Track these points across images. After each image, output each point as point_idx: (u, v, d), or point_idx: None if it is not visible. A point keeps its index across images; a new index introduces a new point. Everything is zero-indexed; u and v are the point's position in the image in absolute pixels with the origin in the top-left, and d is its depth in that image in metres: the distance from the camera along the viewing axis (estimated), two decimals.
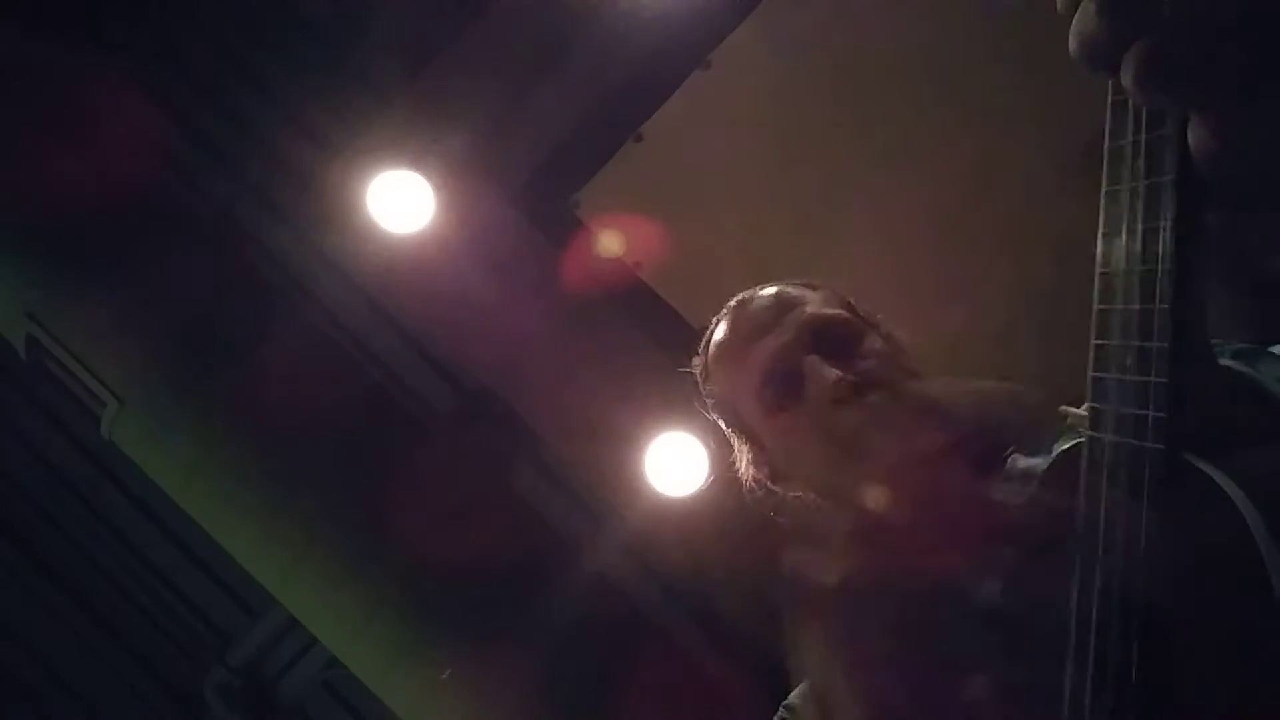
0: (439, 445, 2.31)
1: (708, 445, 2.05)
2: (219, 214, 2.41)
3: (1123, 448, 0.50)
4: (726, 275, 2.02)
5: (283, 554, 2.24)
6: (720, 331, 1.26)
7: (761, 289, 1.25)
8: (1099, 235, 0.51)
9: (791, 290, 1.23)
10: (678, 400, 2.05)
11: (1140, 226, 0.49)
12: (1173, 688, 0.48)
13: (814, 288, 1.24)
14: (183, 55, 2.44)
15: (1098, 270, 0.51)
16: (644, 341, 2.09)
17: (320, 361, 2.26)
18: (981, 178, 1.91)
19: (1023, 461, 1.04)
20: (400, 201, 2.06)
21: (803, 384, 1.14)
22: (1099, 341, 0.52)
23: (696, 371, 1.29)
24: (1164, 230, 0.48)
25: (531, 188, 2.11)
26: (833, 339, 1.16)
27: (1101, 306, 0.51)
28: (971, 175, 1.92)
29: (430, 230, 2.07)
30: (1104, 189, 0.50)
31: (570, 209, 2.08)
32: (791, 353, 1.16)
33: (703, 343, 1.29)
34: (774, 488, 1.24)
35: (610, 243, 2.07)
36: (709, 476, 2.05)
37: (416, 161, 2.04)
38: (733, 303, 1.28)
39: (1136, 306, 0.49)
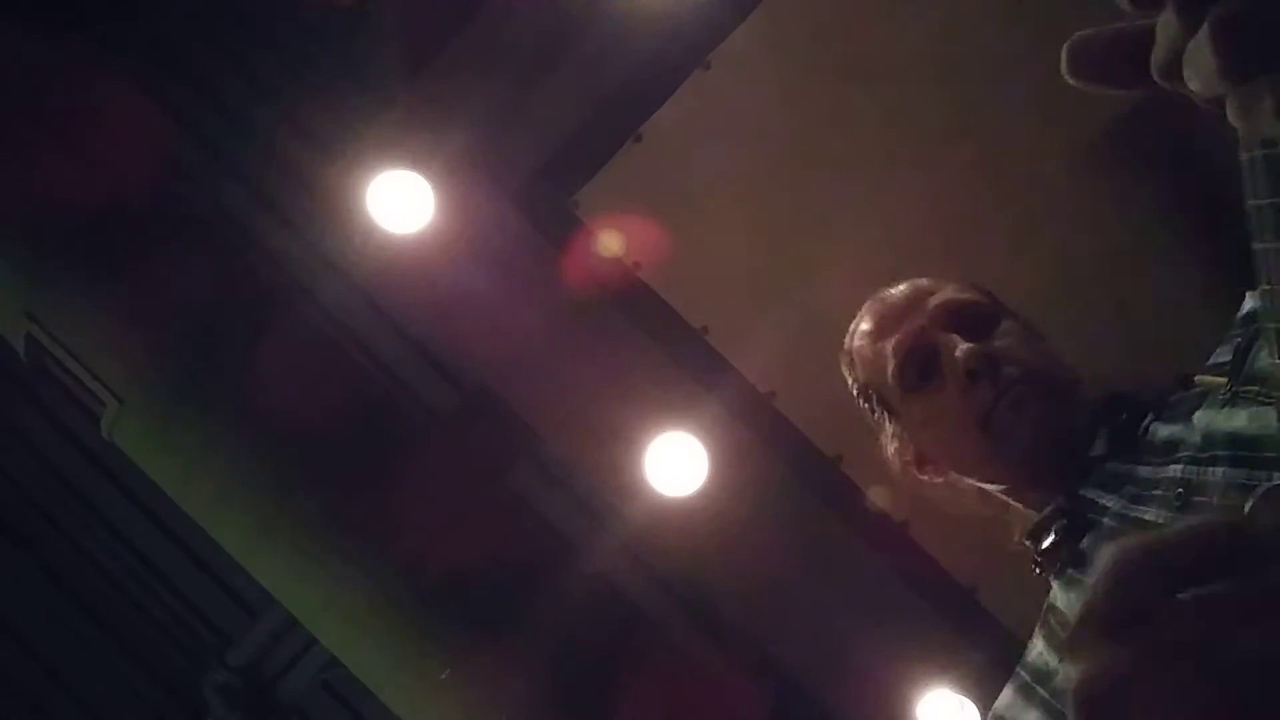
0: (439, 445, 2.30)
1: (708, 445, 2.05)
2: (218, 214, 2.41)
3: None
4: (726, 275, 2.04)
5: (283, 554, 2.24)
6: (863, 323, 1.30)
7: (899, 284, 1.29)
8: (1260, 289, 0.49)
9: (927, 281, 1.28)
10: (678, 400, 2.06)
11: None
12: None
13: (951, 279, 1.28)
14: (182, 55, 2.44)
15: (1267, 324, 0.49)
16: (644, 341, 2.09)
17: (320, 361, 2.26)
18: (984, 177, 1.91)
19: (1164, 430, 1.06)
20: (400, 201, 2.06)
21: (939, 363, 1.17)
22: None
23: (844, 365, 1.33)
24: None
25: (531, 188, 2.10)
26: (968, 320, 1.21)
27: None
28: (974, 174, 1.91)
29: (430, 230, 2.06)
30: (1255, 247, 0.49)
31: (570, 209, 2.08)
32: (928, 332, 1.20)
33: (846, 337, 1.32)
34: (920, 472, 1.28)
35: (610, 243, 2.06)
36: (709, 476, 2.05)
37: (416, 161, 2.04)
38: (874, 297, 1.31)
39: None
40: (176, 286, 2.20)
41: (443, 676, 2.13)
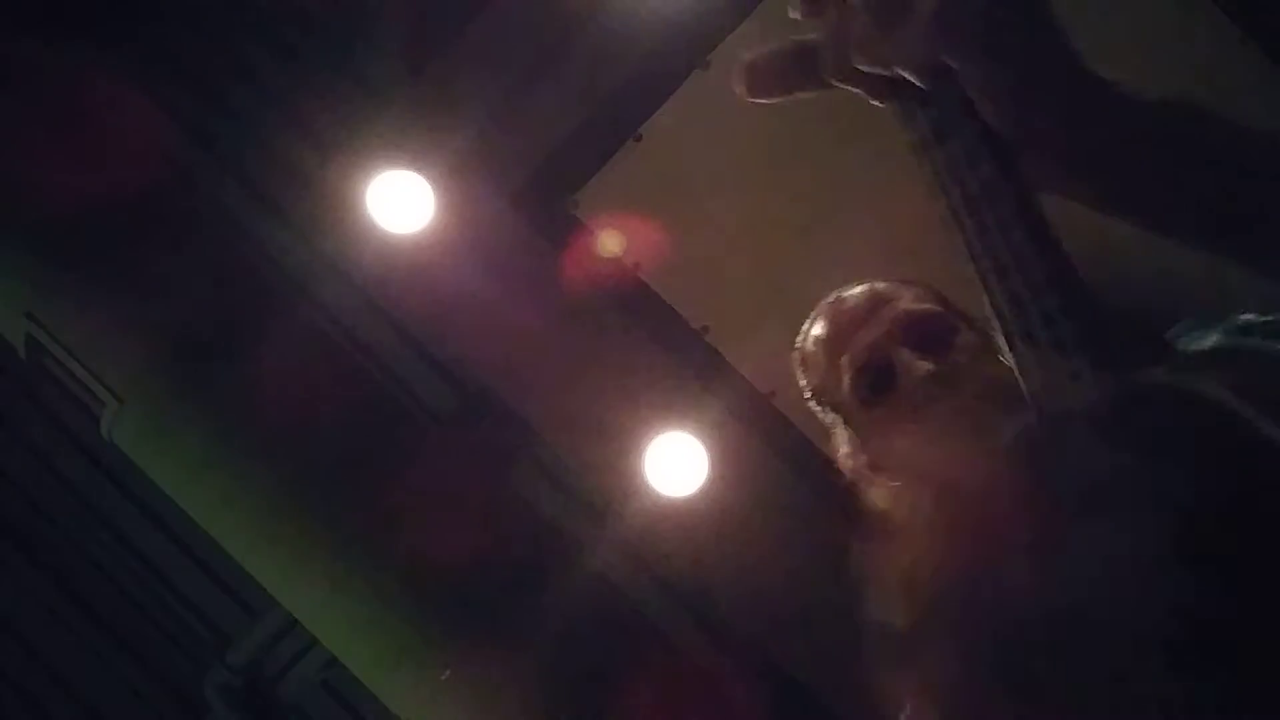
0: (439, 445, 2.31)
1: (708, 445, 2.05)
2: (218, 214, 2.41)
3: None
4: (726, 275, 2.04)
5: (283, 554, 2.24)
6: (816, 327, 1.28)
7: (856, 286, 1.27)
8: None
9: (885, 286, 1.25)
10: (678, 400, 2.06)
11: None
12: None
13: (908, 284, 1.26)
14: (182, 54, 2.44)
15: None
16: (644, 341, 2.09)
17: (320, 362, 2.26)
18: None
19: None
20: (400, 201, 2.06)
21: (895, 378, 1.15)
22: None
23: (795, 365, 1.31)
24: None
25: (531, 188, 2.10)
26: (925, 333, 1.18)
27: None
28: None
29: (430, 230, 2.06)
30: (930, 185, 0.52)
31: (569, 209, 2.08)
32: (884, 347, 1.18)
33: (799, 337, 1.31)
34: (872, 476, 1.26)
35: (610, 243, 2.06)
36: (709, 476, 2.06)
37: (416, 161, 2.04)
38: (829, 299, 1.29)
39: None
40: (176, 286, 2.20)
41: (443, 677, 2.13)
